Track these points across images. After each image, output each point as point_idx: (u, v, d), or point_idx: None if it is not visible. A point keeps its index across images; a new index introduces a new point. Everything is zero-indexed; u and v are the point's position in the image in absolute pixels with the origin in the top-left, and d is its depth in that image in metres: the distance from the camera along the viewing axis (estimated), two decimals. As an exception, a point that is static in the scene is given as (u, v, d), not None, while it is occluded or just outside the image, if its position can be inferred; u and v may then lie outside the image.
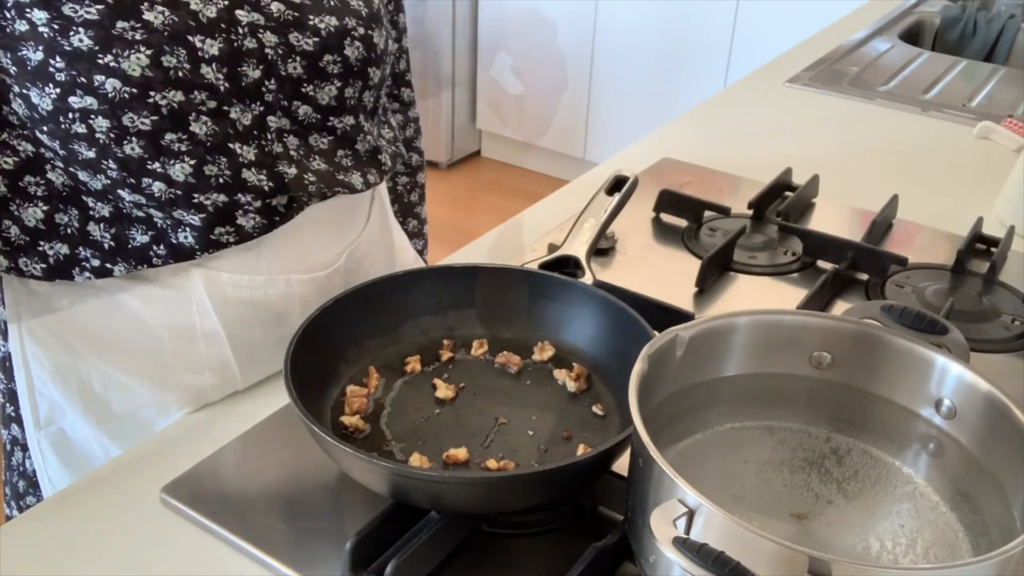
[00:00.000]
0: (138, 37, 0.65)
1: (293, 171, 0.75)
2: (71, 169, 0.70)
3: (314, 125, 0.77)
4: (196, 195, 0.70)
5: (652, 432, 0.53)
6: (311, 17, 0.73)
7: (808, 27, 1.95)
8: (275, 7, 0.72)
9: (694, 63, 2.99)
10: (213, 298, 0.76)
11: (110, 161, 0.67)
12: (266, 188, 0.73)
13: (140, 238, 0.73)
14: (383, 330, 0.77)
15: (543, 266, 0.82)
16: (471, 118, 3.56)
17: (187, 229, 0.72)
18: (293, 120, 0.75)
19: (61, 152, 0.68)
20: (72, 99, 0.65)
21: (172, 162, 0.69)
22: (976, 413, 0.60)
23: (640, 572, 0.57)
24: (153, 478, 0.69)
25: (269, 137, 0.74)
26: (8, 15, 0.64)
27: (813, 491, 0.63)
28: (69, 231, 0.72)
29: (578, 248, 0.83)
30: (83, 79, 0.64)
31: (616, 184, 0.87)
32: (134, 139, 0.67)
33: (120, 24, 0.64)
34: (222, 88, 0.69)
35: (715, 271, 0.98)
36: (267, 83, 0.72)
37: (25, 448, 0.84)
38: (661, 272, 0.99)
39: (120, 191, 0.70)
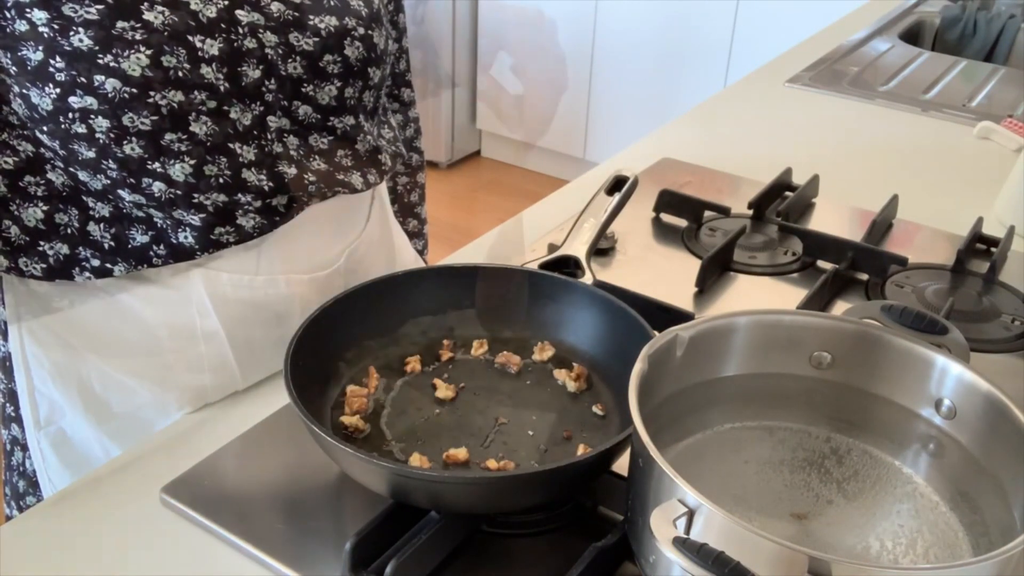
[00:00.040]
0: (138, 37, 0.65)
1: (293, 171, 0.75)
2: (71, 169, 0.70)
3: (314, 125, 0.77)
4: (196, 195, 0.70)
5: (652, 432, 0.53)
6: (311, 17, 0.73)
7: (808, 27, 1.94)
8: (275, 7, 0.72)
9: (694, 63, 2.99)
10: (213, 298, 0.76)
11: (110, 161, 0.67)
12: (266, 188, 0.73)
13: (140, 238, 0.73)
14: (383, 330, 0.77)
15: (543, 266, 0.82)
16: (471, 118, 3.56)
17: (187, 229, 0.72)
18: (293, 120, 0.75)
19: (61, 152, 0.68)
20: (72, 99, 0.65)
21: (172, 162, 0.69)
22: (976, 413, 0.60)
23: (640, 572, 0.57)
24: (153, 478, 0.69)
25: (269, 137, 0.74)
26: (8, 15, 0.64)
27: (813, 491, 0.63)
28: (69, 231, 0.72)
29: (578, 248, 0.83)
30: (83, 79, 0.64)
31: (616, 184, 0.87)
32: (134, 139, 0.67)
33: (120, 24, 0.64)
34: (222, 88, 0.69)
35: (715, 271, 0.98)
36: (267, 83, 0.72)
37: (25, 448, 0.84)
38: (661, 272, 0.99)
39: (120, 191, 0.70)
